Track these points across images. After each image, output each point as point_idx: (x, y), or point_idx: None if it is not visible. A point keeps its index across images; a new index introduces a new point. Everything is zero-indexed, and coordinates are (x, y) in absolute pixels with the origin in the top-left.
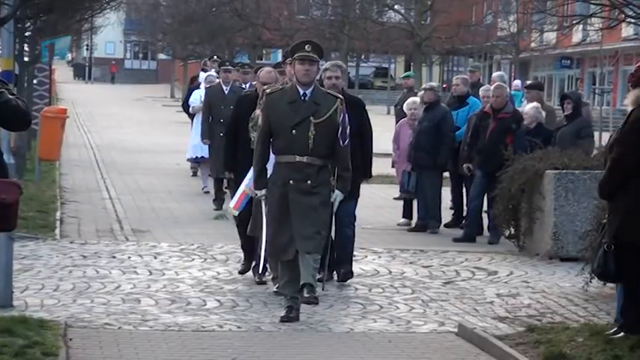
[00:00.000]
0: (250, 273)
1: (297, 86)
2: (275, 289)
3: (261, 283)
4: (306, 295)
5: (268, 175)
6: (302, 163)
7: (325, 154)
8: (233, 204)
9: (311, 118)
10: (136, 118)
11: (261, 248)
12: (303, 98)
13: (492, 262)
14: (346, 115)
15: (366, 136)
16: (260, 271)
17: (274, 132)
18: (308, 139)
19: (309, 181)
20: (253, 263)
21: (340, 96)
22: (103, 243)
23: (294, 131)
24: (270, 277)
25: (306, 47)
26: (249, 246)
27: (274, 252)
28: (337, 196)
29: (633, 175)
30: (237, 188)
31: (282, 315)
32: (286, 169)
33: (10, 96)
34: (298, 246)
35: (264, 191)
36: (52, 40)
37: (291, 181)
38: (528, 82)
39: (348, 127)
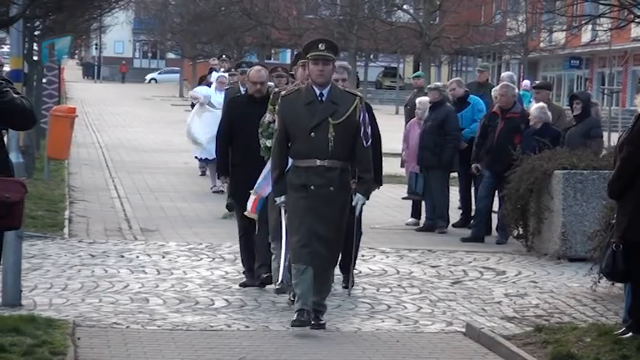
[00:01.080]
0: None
1: (313, 86)
2: (292, 298)
3: (268, 279)
4: (312, 322)
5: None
6: (323, 167)
7: (346, 156)
8: (249, 209)
9: (329, 119)
10: (145, 117)
11: (281, 257)
12: (320, 99)
13: (500, 262)
14: (366, 114)
15: (374, 146)
16: (279, 280)
17: (291, 135)
18: (328, 141)
19: (331, 187)
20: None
21: (359, 94)
22: (111, 242)
23: (312, 134)
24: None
25: (319, 46)
26: (253, 259)
27: (297, 256)
28: (359, 200)
29: None
30: (237, 191)
31: (294, 318)
32: (306, 173)
33: (15, 95)
34: (314, 261)
35: (284, 197)
36: (52, 40)
37: (312, 187)
38: (537, 82)
39: (370, 127)
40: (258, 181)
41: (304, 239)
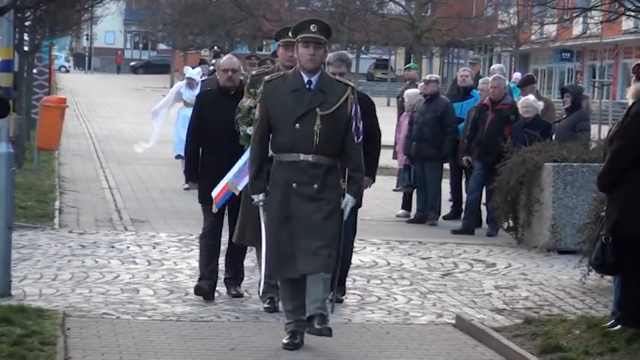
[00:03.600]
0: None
1: (301, 72)
2: (266, 306)
3: (238, 295)
4: (317, 326)
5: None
6: (307, 163)
7: (334, 152)
8: (214, 196)
9: (317, 109)
10: (135, 108)
11: (260, 263)
12: (307, 86)
13: (490, 255)
14: (358, 107)
15: (373, 140)
16: (260, 291)
17: (274, 126)
18: (313, 134)
19: (315, 185)
20: (222, 276)
21: (351, 84)
22: (101, 233)
23: (297, 125)
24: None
25: (311, 27)
26: (214, 262)
27: (276, 268)
28: (348, 202)
29: (632, 167)
30: (207, 193)
31: (286, 341)
32: (289, 169)
33: None
34: (303, 266)
35: (261, 196)
36: (52, 40)
37: (294, 184)
38: (527, 74)
39: (362, 122)
40: (234, 170)
41: (286, 245)
